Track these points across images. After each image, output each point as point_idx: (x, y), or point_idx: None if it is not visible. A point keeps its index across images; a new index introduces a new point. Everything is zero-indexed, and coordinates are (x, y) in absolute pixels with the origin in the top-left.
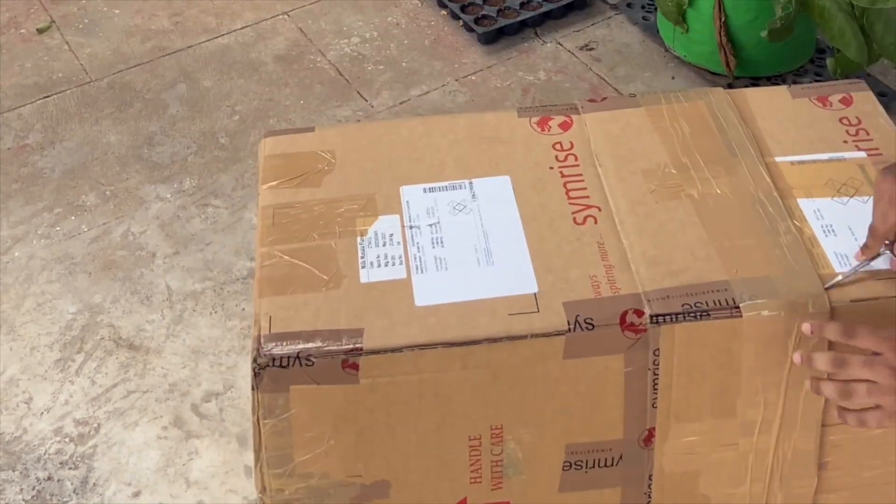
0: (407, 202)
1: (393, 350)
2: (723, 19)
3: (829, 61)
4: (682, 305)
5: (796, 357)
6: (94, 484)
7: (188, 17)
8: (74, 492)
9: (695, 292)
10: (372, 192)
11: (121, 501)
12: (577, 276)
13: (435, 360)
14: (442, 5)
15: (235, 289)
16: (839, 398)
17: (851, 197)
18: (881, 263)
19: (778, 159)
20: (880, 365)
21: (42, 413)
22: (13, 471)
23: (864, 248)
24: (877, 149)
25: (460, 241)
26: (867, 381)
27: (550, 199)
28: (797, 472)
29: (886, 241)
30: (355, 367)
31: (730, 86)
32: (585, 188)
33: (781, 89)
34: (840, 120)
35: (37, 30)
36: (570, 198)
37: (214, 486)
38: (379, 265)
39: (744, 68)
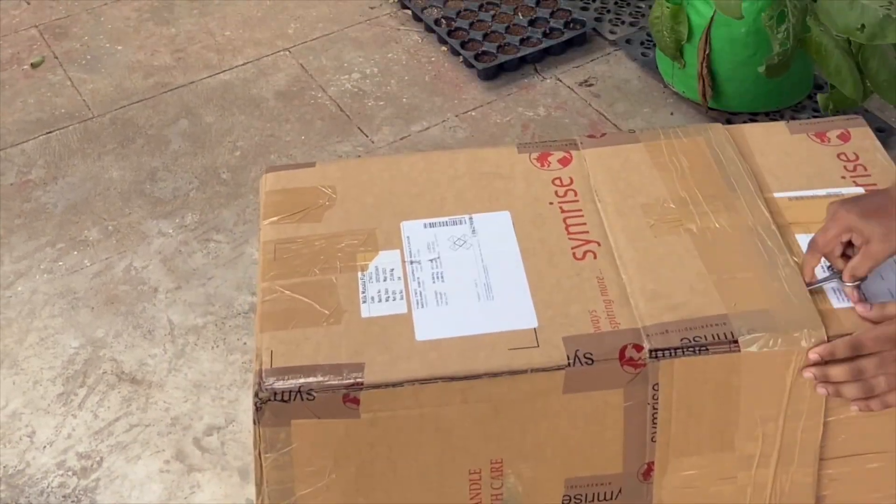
0: (407, 237)
1: (394, 384)
2: (707, 52)
3: (820, 97)
4: (681, 340)
5: (807, 373)
6: None
7: (190, 53)
8: None
9: (693, 326)
10: (373, 227)
11: None
12: (576, 311)
13: (435, 394)
14: (442, 41)
15: (237, 323)
16: (865, 394)
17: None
18: (831, 284)
19: (776, 195)
20: (892, 358)
21: (45, 447)
22: None
23: (806, 263)
24: (874, 184)
25: (461, 276)
26: (884, 374)
27: (550, 234)
28: None
29: (826, 261)
30: (356, 401)
31: (728, 121)
32: (585, 223)
33: (780, 125)
34: (838, 156)
35: (31, 64)
36: (569, 233)
37: None
38: (380, 300)
39: (742, 104)
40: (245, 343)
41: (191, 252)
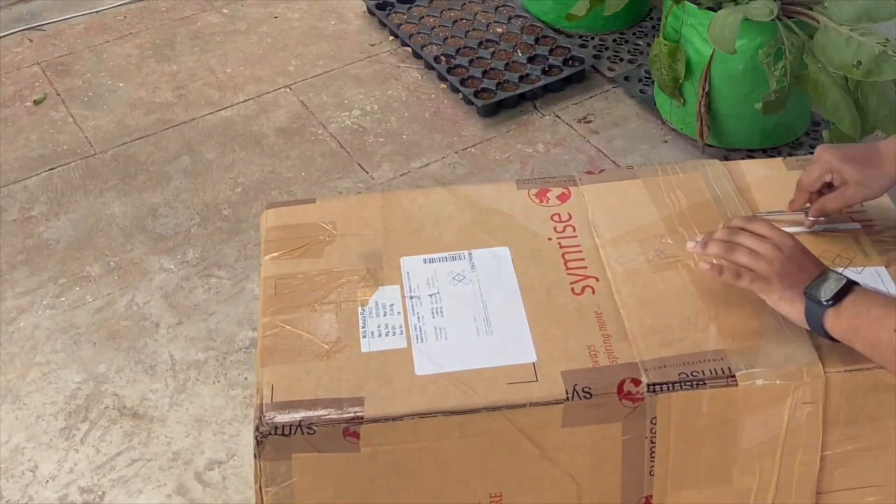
0: (407, 273)
1: (393, 419)
2: (706, 89)
3: (825, 134)
4: (679, 374)
5: (689, 245)
6: None
7: (191, 90)
8: None
9: (691, 361)
10: (373, 262)
11: None
12: (575, 346)
13: (435, 428)
14: (442, 79)
15: (238, 358)
16: (723, 252)
17: (846, 267)
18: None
19: None
20: (769, 243)
21: (47, 481)
22: None
23: (792, 200)
24: (870, 220)
25: (460, 311)
26: (749, 248)
27: (549, 270)
28: None
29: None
30: (356, 435)
31: (725, 158)
32: (583, 258)
33: (777, 161)
34: None
35: (33, 101)
36: (568, 268)
37: None
38: (380, 334)
39: (739, 141)
40: (246, 378)
41: (192, 288)
